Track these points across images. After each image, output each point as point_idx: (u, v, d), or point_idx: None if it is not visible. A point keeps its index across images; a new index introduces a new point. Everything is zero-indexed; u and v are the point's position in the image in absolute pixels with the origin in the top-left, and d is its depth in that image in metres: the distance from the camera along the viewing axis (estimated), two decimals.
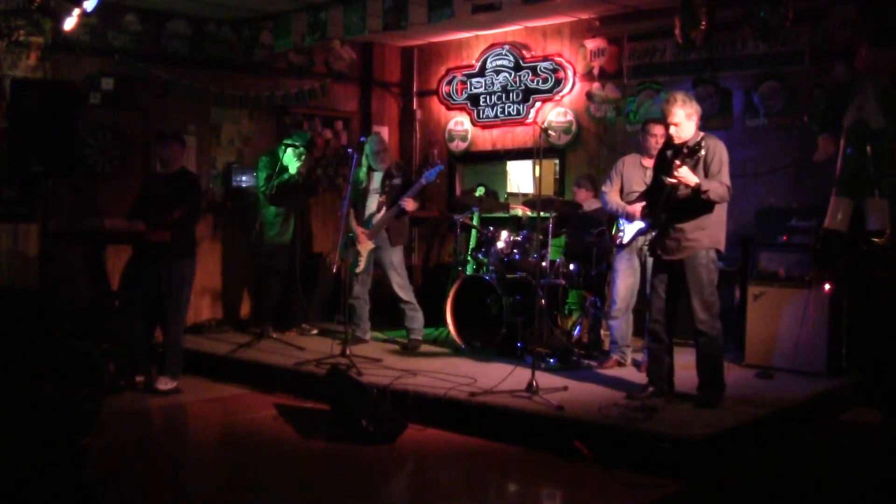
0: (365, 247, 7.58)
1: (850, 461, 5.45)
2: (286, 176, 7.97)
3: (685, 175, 5.38)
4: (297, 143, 8.03)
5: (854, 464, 5.38)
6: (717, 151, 5.51)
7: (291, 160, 8.00)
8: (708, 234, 5.56)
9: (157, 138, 7.23)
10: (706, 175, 5.49)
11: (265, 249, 8.21)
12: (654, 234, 5.90)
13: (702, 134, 5.58)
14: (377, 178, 7.66)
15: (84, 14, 6.74)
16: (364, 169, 7.70)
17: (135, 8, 8.13)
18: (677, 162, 5.41)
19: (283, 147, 8.00)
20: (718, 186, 5.44)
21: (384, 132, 10.01)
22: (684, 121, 5.52)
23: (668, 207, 5.59)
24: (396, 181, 7.60)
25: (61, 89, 6.70)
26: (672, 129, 5.57)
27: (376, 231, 7.56)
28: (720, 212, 5.60)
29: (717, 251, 5.63)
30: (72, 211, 7.61)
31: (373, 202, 7.64)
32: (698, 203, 5.48)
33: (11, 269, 7.18)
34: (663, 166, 5.62)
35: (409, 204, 7.44)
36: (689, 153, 5.43)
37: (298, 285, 8.26)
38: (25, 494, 4.42)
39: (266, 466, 5.25)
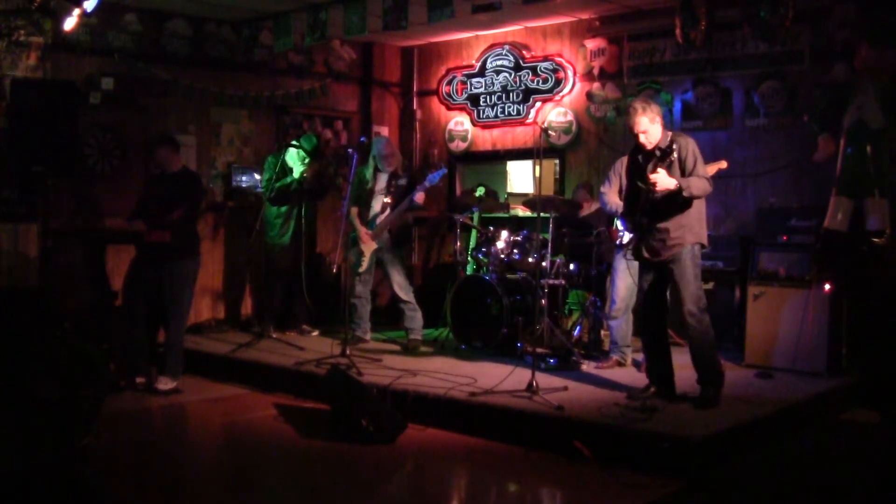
0: (368, 247, 7.58)
1: (850, 461, 5.45)
2: (288, 180, 7.95)
3: (662, 180, 5.42)
4: (303, 146, 8.03)
5: (854, 464, 5.38)
6: (689, 148, 5.56)
7: (295, 163, 7.99)
8: (691, 231, 5.62)
9: (144, 145, 7.20)
10: (683, 173, 5.53)
11: (266, 249, 8.21)
12: (635, 238, 5.89)
13: (670, 134, 5.63)
14: (383, 178, 7.65)
15: (84, 14, 6.73)
16: (371, 169, 7.67)
17: (135, 8, 8.12)
18: (651, 168, 5.48)
19: (287, 149, 8.01)
20: (698, 181, 5.48)
21: (384, 132, 10.00)
22: (650, 126, 5.58)
23: (648, 211, 5.64)
24: (402, 182, 7.60)
25: (61, 89, 6.70)
26: (641, 138, 5.62)
27: (380, 231, 7.55)
28: (699, 207, 5.66)
29: (701, 245, 5.71)
30: (72, 211, 7.61)
31: (377, 203, 7.63)
32: (678, 201, 5.53)
33: (11, 269, 7.18)
34: (636, 171, 5.69)
35: (421, 197, 7.46)
36: (661, 157, 5.48)
37: (303, 286, 8.26)
38: (25, 494, 4.42)
39: (266, 466, 5.25)
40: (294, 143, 8.10)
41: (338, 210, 8.10)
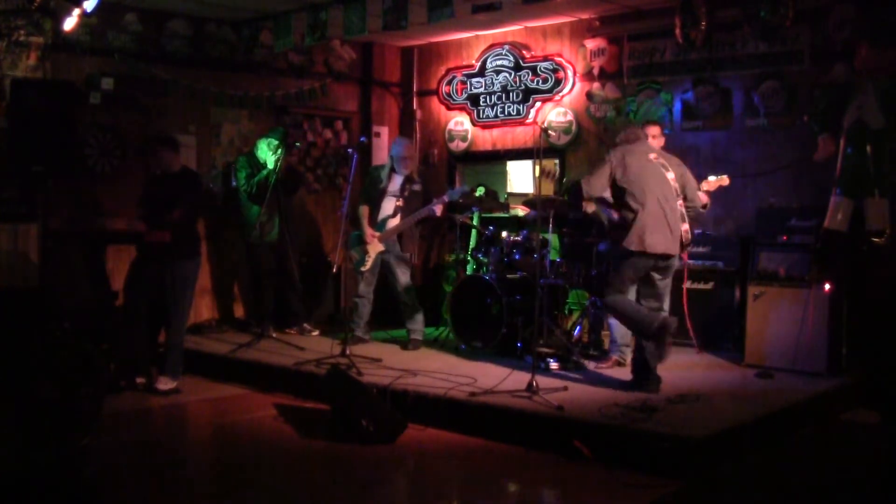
0: (375, 248, 7.57)
1: (850, 461, 5.45)
2: (265, 173, 7.94)
3: None
4: (271, 138, 8.05)
5: (854, 464, 5.39)
6: None
7: (267, 155, 7.98)
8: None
9: (144, 145, 7.17)
10: None
11: (252, 250, 8.21)
12: None
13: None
14: (398, 180, 7.63)
15: (84, 14, 6.74)
16: (387, 169, 7.67)
17: (135, 8, 8.12)
18: None
19: (256, 145, 8.05)
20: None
21: (384, 132, 10.01)
22: None
23: None
24: (416, 187, 7.61)
25: (61, 89, 6.70)
26: None
27: (389, 235, 7.52)
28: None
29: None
30: (72, 211, 7.61)
31: (389, 204, 7.60)
32: None
33: (11, 269, 7.18)
34: None
35: (440, 209, 7.46)
36: None
37: (296, 284, 8.23)
38: (25, 494, 4.42)
39: (266, 466, 5.25)
40: (263, 137, 8.14)
41: (338, 210, 8.08)
